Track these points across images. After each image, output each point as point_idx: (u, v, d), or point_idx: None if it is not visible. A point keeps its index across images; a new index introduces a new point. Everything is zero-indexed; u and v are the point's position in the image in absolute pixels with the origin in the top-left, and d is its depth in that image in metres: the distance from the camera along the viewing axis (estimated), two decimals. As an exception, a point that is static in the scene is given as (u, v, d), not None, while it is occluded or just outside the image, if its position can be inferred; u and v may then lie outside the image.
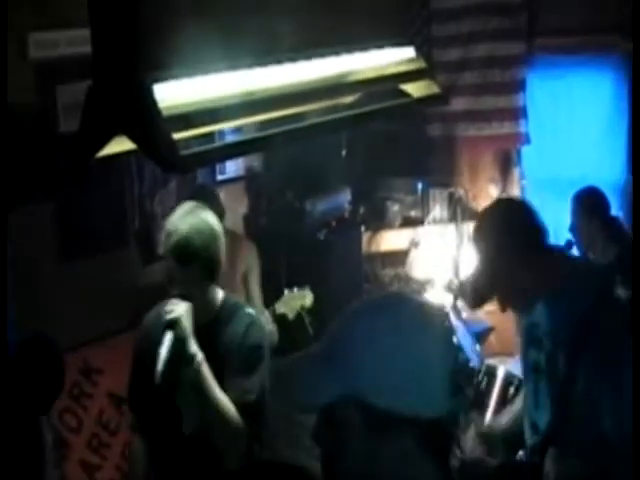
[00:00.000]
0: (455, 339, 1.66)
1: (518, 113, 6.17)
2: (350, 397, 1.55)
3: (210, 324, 3.12)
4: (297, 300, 4.73)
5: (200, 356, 2.95)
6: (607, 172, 5.95)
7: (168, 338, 2.94)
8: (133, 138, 1.77)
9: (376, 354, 1.55)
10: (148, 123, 1.73)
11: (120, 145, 1.88)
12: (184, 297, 3.05)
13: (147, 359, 3.08)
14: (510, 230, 3.02)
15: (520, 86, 6.15)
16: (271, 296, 5.02)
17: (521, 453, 3.19)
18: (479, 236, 3.10)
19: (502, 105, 6.20)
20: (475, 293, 3.25)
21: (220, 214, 4.86)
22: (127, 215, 5.13)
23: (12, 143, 3.96)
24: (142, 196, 5.23)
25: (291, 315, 4.73)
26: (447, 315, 1.72)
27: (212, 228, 3.12)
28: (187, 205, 3.21)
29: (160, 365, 2.92)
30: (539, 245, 3.03)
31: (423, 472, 1.56)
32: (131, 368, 3.33)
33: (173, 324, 2.96)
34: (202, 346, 3.00)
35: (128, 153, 1.95)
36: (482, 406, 4.36)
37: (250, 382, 3.05)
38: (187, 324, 2.97)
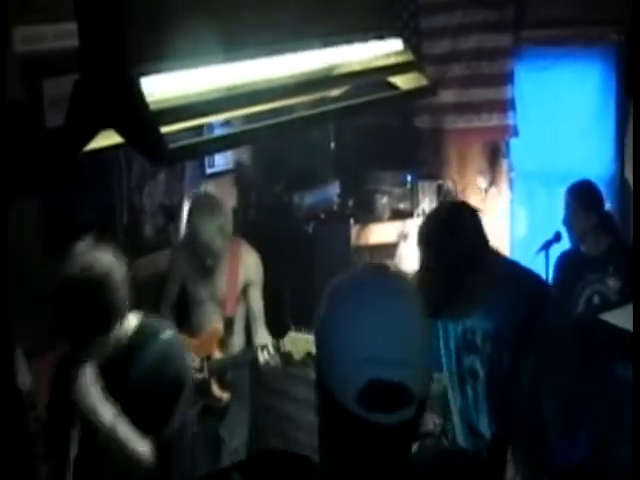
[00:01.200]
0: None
1: (506, 105, 6.16)
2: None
3: (119, 358, 3.00)
4: (305, 344, 4.57)
5: (108, 422, 2.86)
6: (595, 164, 5.96)
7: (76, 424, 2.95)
8: (120, 131, 1.77)
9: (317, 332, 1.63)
10: (135, 116, 1.73)
11: (107, 139, 1.88)
12: (81, 341, 2.97)
13: (60, 421, 3.06)
14: (451, 235, 2.99)
15: (508, 78, 6.14)
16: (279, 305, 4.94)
17: None
18: (422, 241, 3.06)
19: (490, 97, 6.20)
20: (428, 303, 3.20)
21: (223, 223, 4.76)
22: (115, 208, 5.12)
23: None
24: (130, 189, 5.22)
25: (297, 357, 4.57)
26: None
27: (102, 269, 2.94)
28: (80, 246, 3.02)
29: (72, 446, 2.95)
30: (479, 250, 3.00)
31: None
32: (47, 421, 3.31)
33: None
34: (112, 382, 2.93)
35: (115, 147, 1.95)
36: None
37: (165, 421, 2.97)
38: (90, 398, 2.88)
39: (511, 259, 3.40)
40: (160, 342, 3.03)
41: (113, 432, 2.86)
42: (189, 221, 4.84)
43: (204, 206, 4.80)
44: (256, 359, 4.51)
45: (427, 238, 3.05)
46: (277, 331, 4.66)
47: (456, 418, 3.31)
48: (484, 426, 3.08)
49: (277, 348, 4.51)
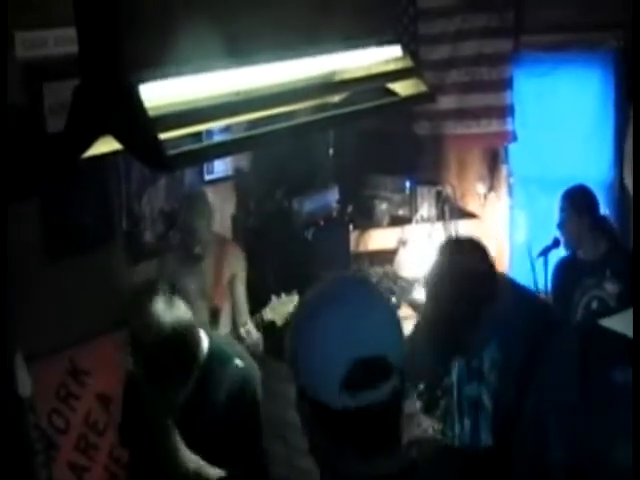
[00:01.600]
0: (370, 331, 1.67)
1: (505, 111, 6.17)
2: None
3: (196, 381, 3.01)
4: (285, 306, 4.70)
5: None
6: (594, 169, 5.96)
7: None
8: (119, 138, 1.77)
9: (292, 333, 1.67)
10: (134, 123, 1.73)
11: (107, 145, 1.87)
12: (167, 385, 2.95)
13: (135, 404, 3.09)
14: (461, 277, 2.99)
15: (507, 84, 6.14)
16: (259, 298, 5.00)
17: None
18: (433, 286, 3.06)
19: (490, 103, 6.20)
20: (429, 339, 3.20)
21: (209, 216, 4.91)
22: (114, 214, 5.12)
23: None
24: (130, 195, 5.22)
25: (280, 322, 4.69)
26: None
27: (187, 322, 2.92)
28: (160, 299, 2.94)
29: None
30: (489, 289, 3.00)
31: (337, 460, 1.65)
32: (122, 407, 3.29)
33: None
34: (192, 412, 2.95)
35: (115, 153, 1.95)
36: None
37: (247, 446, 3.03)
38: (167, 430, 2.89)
39: (518, 285, 3.38)
40: (236, 368, 3.05)
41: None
42: (180, 213, 5.04)
43: (194, 200, 5.01)
44: (238, 336, 4.61)
45: (434, 292, 3.08)
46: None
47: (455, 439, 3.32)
48: (484, 451, 3.07)
49: (260, 320, 4.67)
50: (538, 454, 2.85)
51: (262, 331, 4.72)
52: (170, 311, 2.85)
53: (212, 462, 2.93)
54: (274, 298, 4.74)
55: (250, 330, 4.66)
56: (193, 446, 2.92)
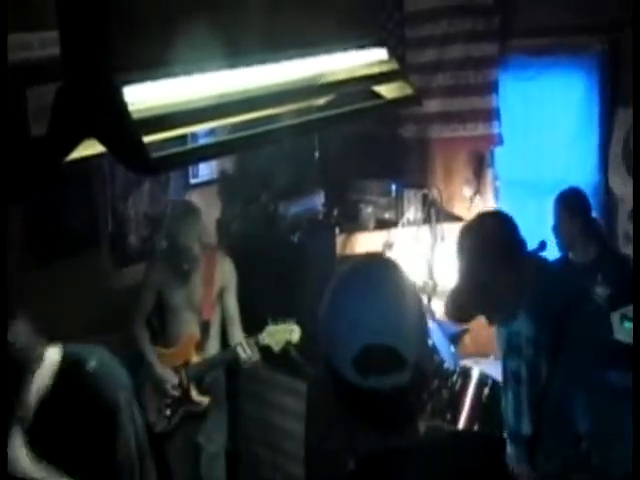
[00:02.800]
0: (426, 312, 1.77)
1: (491, 114, 6.17)
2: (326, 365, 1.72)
3: (52, 398, 3.06)
4: (283, 334, 4.66)
5: None
6: (579, 173, 5.97)
7: None
8: (103, 141, 1.75)
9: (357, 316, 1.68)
10: (118, 125, 1.71)
11: (91, 148, 1.86)
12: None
13: None
14: (493, 245, 3.03)
15: (493, 87, 6.15)
16: (245, 303, 4.98)
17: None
18: (463, 252, 3.10)
19: (476, 106, 6.21)
20: (460, 310, 3.25)
21: (199, 231, 4.82)
22: (99, 218, 5.10)
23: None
24: (115, 198, 5.20)
25: (276, 348, 4.66)
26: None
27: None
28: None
29: None
30: (520, 257, 3.04)
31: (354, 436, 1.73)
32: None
33: None
34: (51, 424, 2.98)
35: (98, 156, 1.93)
36: (457, 407, 4.36)
37: (119, 452, 3.05)
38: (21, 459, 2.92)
39: (548, 261, 3.43)
40: (85, 375, 3.06)
41: None
42: (168, 227, 4.87)
43: (183, 212, 4.86)
44: (236, 358, 4.58)
45: (459, 246, 3.12)
46: (254, 327, 4.73)
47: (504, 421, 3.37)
48: (525, 431, 3.10)
49: (256, 343, 4.57)
50: (564, 424, 2.90)
51: (258, 352, 4.68)
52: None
53: (70, 472, 2.93)
54: (271, 322, 4.68)
55: (245, 346, 4.62)
56: (50, 454, 2.93)
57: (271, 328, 4.65)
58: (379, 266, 1.81)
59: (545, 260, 3.32)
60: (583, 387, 2.91)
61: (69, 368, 3.03)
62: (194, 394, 4.81)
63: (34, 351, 3.00)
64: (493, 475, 1.85)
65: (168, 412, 4.81)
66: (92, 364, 3.07)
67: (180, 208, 5.02)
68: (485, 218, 3.27)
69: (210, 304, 4.91)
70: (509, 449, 3.21)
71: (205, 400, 4.86)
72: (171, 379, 4.78)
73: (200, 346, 4.88)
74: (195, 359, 4.82)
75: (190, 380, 4.78)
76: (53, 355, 3.04)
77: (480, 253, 3.04)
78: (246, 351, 4.61)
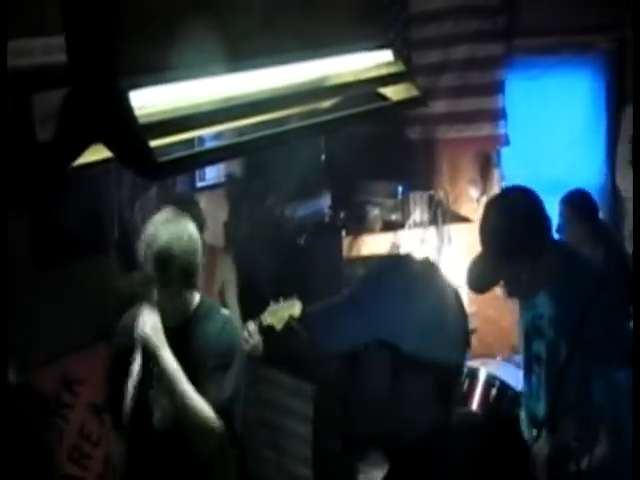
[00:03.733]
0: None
1: (497, 114, 6.17)
2: (377, 341, 1.71)
3: (185, 326, 3.20)
4: (285, 310, 4.67)
5: (172, 368, 3.03)
6: (586, 172, 5.96)
7: (138, 358, 3.13)
8: (110, 146, 1.75)
9: (402, 304, 1.72)
10: (124, 130, 1.71)
11: (98, 153, 1.86)
12: (160, 302, 3.18)
13: (121, 366, 3.22)
14: (525, 213, 3.04)
15: (499, 87, 6.15)
16: (253, 305, 4.98)
17: None
18: (488, 223, 3.09)
19: (481, 107, 6.20)
20: (480, 278, 3.24)
21: (200, 225, 4.83)
22: (106, 223, 5.10)
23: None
24: (122, 203, 5.20)
25: (279, 326, 4.66)
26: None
27: (190, 235, 3.18)
28: (166, 212, 3.26)
29: (130, 387, 3.13)
30: (545, 234, 3.05)
31: (433, 416, 1.75)
32: (107, 370, 3.44)
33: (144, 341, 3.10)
34: (176, 347, 3.08)
35: (105, 161, 1.93)
36: (464, 408, 4.35)
37: (224, 382, 3.11)
38: (156, 339, 3.08)
39: (567, 244, 3.44)
40: (220, 315, 3.31)
41: (176, 380, 3.03)
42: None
43: (184, 209, 4.85)
44: None
45: (483, 218, 3.13)
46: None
47: (523, 406, 3.41)
48: (542, 414, 3.12)
49: (259, 325, 4.62)
50: (581, 407, 2.92)
51: (261, 335, 4.70)
52: (171, 226, 3.16)
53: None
54: (273, 303, 4.71)
55: (251, 331, 4.63)
56: None
57: (272, 307, 4.64)
58: (422, 266, 1.86)
59: (569, 244, 3.32)
60: (601, 373, 2.92)
61: (205, 309, 3.29)
62: None
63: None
64: (515, 453, 1.89)
65: None
66: (223, 312, 3.47)
67: (181, 204, 4.99)
68: (510, 192, 3.29)
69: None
70: (527, 431, 3.22)
71: None
72: None
73: None
74: None
75: None
76: (196, 295, 3.29)
77: (502, 224, 3.04)
78: (247, 340, 4.62)
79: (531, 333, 3.19)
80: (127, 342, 3.20)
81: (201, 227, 4.87)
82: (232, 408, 3.15)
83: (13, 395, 3.59)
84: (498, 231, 3.04)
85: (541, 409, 3.16)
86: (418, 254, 5.90)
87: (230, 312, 4.98)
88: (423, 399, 1.74)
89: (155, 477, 3.22)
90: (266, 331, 4.68)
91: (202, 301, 3.29)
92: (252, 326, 4.62)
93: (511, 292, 3.20)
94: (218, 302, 4.97)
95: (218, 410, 3.06)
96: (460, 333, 1.78)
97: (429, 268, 1.84)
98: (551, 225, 3.13)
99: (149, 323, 3.09)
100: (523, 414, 3.36)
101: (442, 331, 1.73)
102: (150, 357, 3.09)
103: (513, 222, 3.02)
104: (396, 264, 1.88)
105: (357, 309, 1.74)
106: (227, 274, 5.07)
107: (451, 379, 1.79)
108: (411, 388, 1.72)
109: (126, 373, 3.16)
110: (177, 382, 3.02)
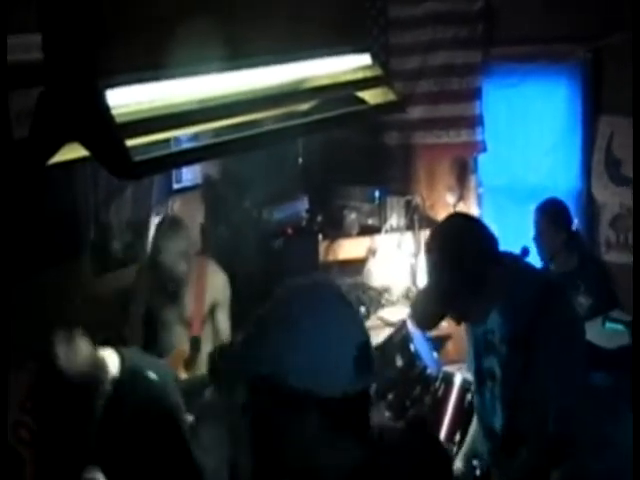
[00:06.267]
0: (360, 320, 1.81)
1: (475, 121, 6.19)
2: (264, 378, 1.68)
3: (112, 399, 3.01)
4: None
5: None
6: (562, 179, 5.99)
7: None
8: (85, 144, 1.75)
9: (282, 335, 1.70)
10: (100, 129, 1.71)
11: (73, 151, 1.85)
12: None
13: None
14: (464, 245, 3.00)
15: (476, 94, 6.17)
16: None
17: (475, 462, 3.22)
18: (433, 254, 3.07)
19: (459, 113, 6.22)
20: (426, 316, 3.24)
21: (187, 252, 4.71)
22: (81, 224, 5.06)
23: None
24: (97, 205, 5.17)
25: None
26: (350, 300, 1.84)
27: (87, 362, 2.97)
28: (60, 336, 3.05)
29: None
30: (492, 257, 3.02)
31: (335, 448, 1.70)
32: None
33: None
34: (105, 429, 2.95)
35: (81, 160, 1.93)
36: (439, 413, 4.36)
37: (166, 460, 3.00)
38: None
39: (516, 256, 3.43)
40: (146, 386, 3.06)
41: None
42: (154, 243, 4.80)
43: (168, 229, 4.74)
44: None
45: (427, 252, 3.09)
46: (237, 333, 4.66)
47: (475, 418, 3.39)
48: (499, 427, 3.11)
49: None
50: (537, 421, 2.91)
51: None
52: (67, 356, 2.90)
53: None
54: None
55: None
56: (111, 464, 2.92)
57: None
58: (308, 290, 1.83)
59: (517, 261, 3.30)
60: (556, 386, 2.92)
61: (130, 377, 3.03)
62: None
63: (100, 369, 2.98)
64: (440, 463, 1.89)
65: None
66: (152, 375, 3.06)
67: (164, 225, 4.86)
68: (447, 224, 3.21)
69: (200, 320, 4.79)
70: (486, 444, 3.22)
71: (189, 418, 4.78)
72: None
73: (190, 362, 4.77)
74: (184, 375, 4.71)
75: None
76: (113, 363, 3.03)
77: (443, 257, 2.99)
78: None
79: (482, 349, 3.15)
80: None
81: (187, 255, 4.73)
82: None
83: None
84: (439, 266, 3.00)
85: (498, 422, 3.14)
86: (390, 260, 5.90)
87: (220, 335, 4.89)
88: (315, 433, 1.69)
89: None
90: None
91: (122, 366, 3.06)
92: None
93: (461, 320, 3.18)
94: (208, 321, 4.86)
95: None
96: (349, 358, 1.69)
97: (317, 292, 1.80)
98: (495, 249, 3.05)
99: None
100: (478, 429, 3.35)
101: (324, 360, 1.67)
102: None
103: (451, 258, 2.97)
104: (282, 294, 1.84)
105: (248, 344, 1.76)
106: (219, 294, 4.86)
107: (347, 407, 1.69)
108: (299, 424, 1.69)
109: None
110: None
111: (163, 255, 4.63)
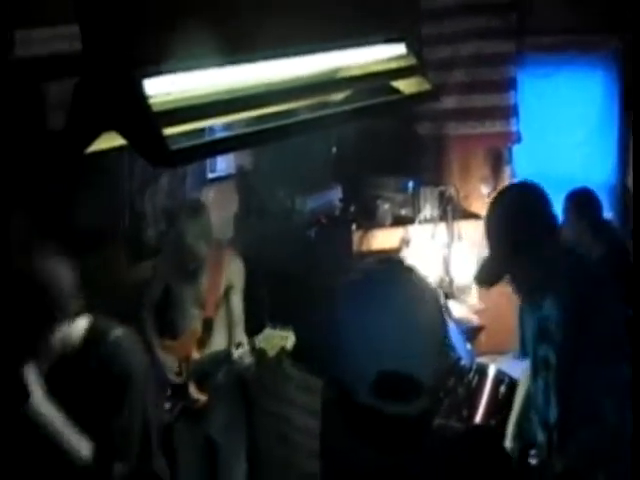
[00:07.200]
0: (444, 313, 1.73)
1: (509, 111, 6.17)
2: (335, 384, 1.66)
3: (74, 358, 2.97)
4: (279, 340, 4.61)
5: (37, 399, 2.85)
6: (597, 171, 5.96)
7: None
8: (122, 133, 1.76)
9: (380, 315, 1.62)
10: (138, 118, 1.72)
11: (110, 141, 1.87)
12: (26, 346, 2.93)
13: None
14: (521, 212, 3.02)
15: (510, 84, 6.14)
16: (257, 300, 4.94)
17: (532, 452, 3.20)
18: (491, 218, 3.08)
19: (493, 103, 6.20)
20: (485, 273, 3.21)
21: (208, 236, 4.80)
22: (117, 212, 5.11)
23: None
24: (133, 193, 5.21)
25: (271, 353, 4.62)
26: (435, 290, 1.80)
27: (42, 276, 2.92)
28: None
29: None
30: (547, 230, 3.03)
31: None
32: None
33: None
34: (66, 382, 2.90)
35: (117, 149, 1.94)
36: (473, 405, 4.35)
37: (122, 419, 2.96)
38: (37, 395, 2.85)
39: (575, 247, 3.42)
40: (107, 343, 3.02)
41: (56, 434, 2.84)
42: (176, 225, 4.87)
43: (192, 211, 4.83)
44: (230, 355, 4.57)
45: (487, 213, 3.10)
46: (253, 330, 4.70)
47: (533, 411, 3.36)
48: (554, 419, 3.10)
49: (252, 345, 4.57)
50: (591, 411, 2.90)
51: (254, 357, 4.65)
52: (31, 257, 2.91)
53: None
54: (268, 327, 4.65)
55: (243, 355, 4.59)
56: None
57: (268, 332, 4.57)
58: (392, 274, 1.73)
59: (574, 246, 3.30)
60: (607, 373, 2.90)
61: (94, 335, 3.02)
62: (192, 390, 4.80)
63: (69, 302, 3.00)
64: (497, 466, 1.85)
65: (167, 406, 4.80)
66: (116, 334, 3.06)
67: (189, 207, 4.94)
68: (514, 187, 3.24)
69: (214, 302, 4.88)
70: (539, 437, 3.21)
71: (202, 398, 4.84)
72: (171, 365, 4.80)
73: (202, 343, 4.87)
74: (196, 355, 4.83)
75: (189, 375, 4.79)
76: (83, 321, 3.03)
77: (504, 218, 3.02)
78: (239, 352, 4.58)
79: (537, 335, 3.16)
80: None
81: (208, 238, 4.82)
82: (139, 445, 3.00)
83: None
84: (499, 227, 3.02)
85: (552, 414, 3.13)
86: (423, 251, 5.88)
87: (234, 319, 4.97)
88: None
89: None
90: (258, 353, 4.66)
91: (90, 329, 3.04)
92: (245, 348, 4.58)
93: (518, 288, 3.15)
94: (223, 304, 4.95)
95: (122, 450, 2.94)
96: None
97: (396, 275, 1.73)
98: (556, 222, 3.10)
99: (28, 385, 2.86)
100: (534, 419, 3.33)
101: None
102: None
103: (515, 216, 3.00)
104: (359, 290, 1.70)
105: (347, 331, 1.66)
106: (235, 278, 4.94)
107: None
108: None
109: None
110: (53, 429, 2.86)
111: (185, 237, 4.71)
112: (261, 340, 4.58)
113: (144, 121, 1.71)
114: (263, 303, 5.20)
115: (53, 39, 4.37)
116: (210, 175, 5.85)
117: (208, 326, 4.89)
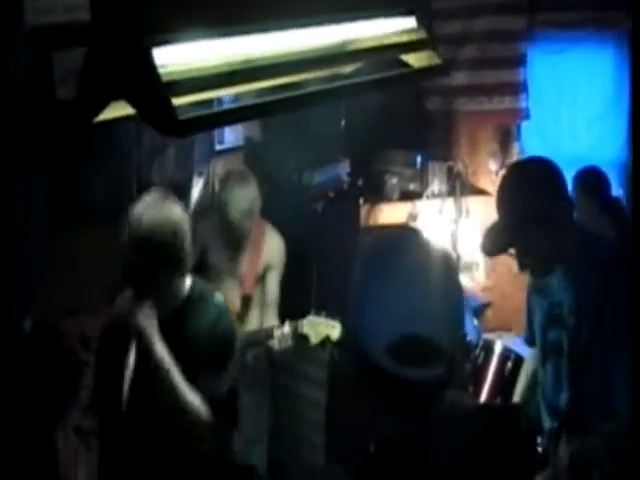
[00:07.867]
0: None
1: (518, 88, 6.14)
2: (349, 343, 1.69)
3: (176, 316, 3.04)
4: (325, 328, 4.46)
5: (166, 362, 2.89)
6: (607, 149, 5.94)
7: (132, 353, 2.93)
8: (131, 102, 1.76)
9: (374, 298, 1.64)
10: (147, 87, 1.72)
11: (118, 110, 1.87)
12: (146, 289, 2.99)
13: (112, 363, 3.04)
14: (533, 185, 3.01)
15: (521, 61, 6.12)
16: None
17: (539, 439, 3.18)
18: (503, 189, 3.07)
19: (502, 80, 6.18)
20: (493, 243, 3.19)
21: (254, 207, 4.68)
22: (124, 183, 5.10)
23: (6, 111, 3.93)
24: (140, 164, 5.20)
25: (314, 340, 4.48)
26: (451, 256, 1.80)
27: (176, 222, 2.99)
28: (152, 195, 3.08)
29: (125, 383, 2.93)
30: (558, 204, 3.01)
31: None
32: (96, 368, 3.28)
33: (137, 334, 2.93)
34: (167, 340, 2.93)
35: (126, 118, 1.94)
36: (479, 381, 4.36)
37: (218, 378, 3.00)
38: (150, 331, 2.91)
39: (587, 226, 3.40)
40: (215, 304, 3.10)
41: (169, 374, 2.88)
42: (220, 195, 4.79)
43: (238, 182, 4.73)
44: (270, 336, 4.47)
45: (498, 191, 3.09)
46: (297, 314, 4.64)
47: (540, 396, 3.33)
48: (564, 405, 3.09)
49: (294, 329, 4.43)
50: (603, 398, 2.88)
51: (294, 341, 4.54)
52: (154, 210, 2.95)
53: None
54: (313, 313, 4.48)
55: (283, 338, 4.39)
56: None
57: (313, 318, 4.38)
58: (409, 240, 1.74)
59: (586, 224, 3.28)
60: (622, 359, 2.86)
61: (199, 294, 3.10)
62: None
63: (189, 255, 3.08)
64: (510, 447, 1.84)
65: None
66: (218, 297, 3.14)
67: (234, 178, 4.83)
68: (527, 161, 3.22)
69: (253, 279, 4.79)
70: (546, 423, 3.20)
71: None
72: None
73: (240, 318, 4.74)
74: None
75: None
76: (189, 279, 3.10)
77: (515, 190, 3.00)
78: (279, 334, 4.46)
79: (547, 320, 3.13)
80: (121, 329, 3.02)
81: (256, 209, 4.71)
82: (227, 405, 3.06)
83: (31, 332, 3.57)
84: (511, 196, 3.01)
85: (562, 400, 3.10)
86: (431, 226, 5.88)
87: (267, 302, 4.84)
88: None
89: (145, 466, 3.09)
90: (300, 339, 4.56)
91: (193, 288, 3.10)
92: (287, 329, 4.40)
93: (523, 262, 3.09)
94: (260, 282, 4.86)
95: (212, 407, 2.95)
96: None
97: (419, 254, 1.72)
98: (567, 197, 3.09)
99: (143, 313, 2.92)
100: (542, 405, 3.32)
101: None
102: (143, 350, 2.92)
103: (527, 188, 2.99)
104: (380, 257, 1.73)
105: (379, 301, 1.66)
106: (274, 258, 4.84)
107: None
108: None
109: (121, 362, 2.96)
110: (170, 378, 2.87)
111: (229, 209, 4.63)
112: (305, 325, 4.39)
113: (153, 90, 1.71)
114: (309, 287, 5.13)
115: (68, 8, 4.36)
116: (218, 147, 5.84)
117: (246, 303, 4.82)
